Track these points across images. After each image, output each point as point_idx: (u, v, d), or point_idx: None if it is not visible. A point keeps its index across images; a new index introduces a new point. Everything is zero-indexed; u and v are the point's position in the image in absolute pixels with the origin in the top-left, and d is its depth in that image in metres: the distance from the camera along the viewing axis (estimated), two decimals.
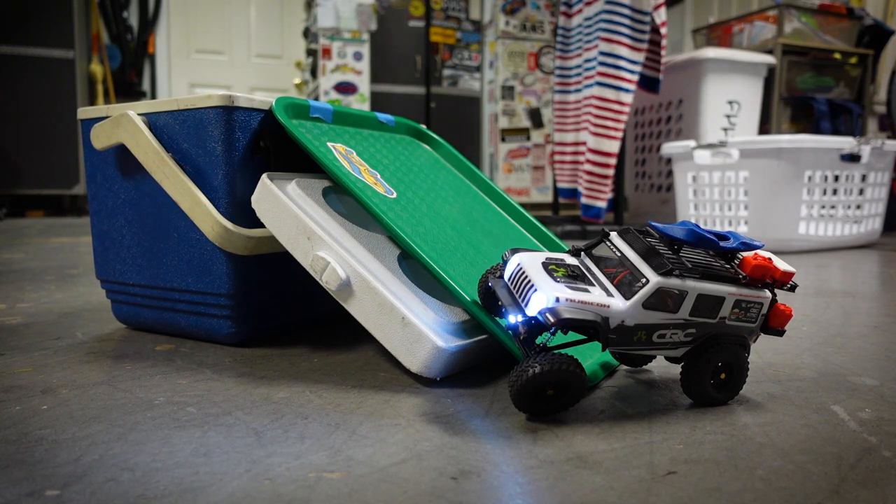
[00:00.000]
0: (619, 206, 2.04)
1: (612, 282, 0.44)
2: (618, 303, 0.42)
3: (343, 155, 0.63)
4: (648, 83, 1.92)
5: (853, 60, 2.27)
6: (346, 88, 3.25)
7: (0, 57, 2.88)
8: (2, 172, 2.92)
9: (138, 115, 0.63)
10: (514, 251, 0.48)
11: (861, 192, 1.65)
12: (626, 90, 1.80)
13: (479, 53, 3.69)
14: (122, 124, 0.63)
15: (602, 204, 1.85)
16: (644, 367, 0.57)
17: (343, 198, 0.65)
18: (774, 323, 0.47)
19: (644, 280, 0.42)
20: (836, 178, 1.59)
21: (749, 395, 0.49)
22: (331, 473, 0.35)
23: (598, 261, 0.47)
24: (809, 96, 2.19)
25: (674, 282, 0.42)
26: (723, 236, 0.47)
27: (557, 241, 0.75)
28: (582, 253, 0.49)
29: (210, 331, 0.63)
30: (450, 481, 0.35)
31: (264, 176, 0.57)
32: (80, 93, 3.04)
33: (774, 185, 1.53)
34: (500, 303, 0.49)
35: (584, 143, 1.90)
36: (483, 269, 0.60)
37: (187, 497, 0.33)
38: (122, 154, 0.66)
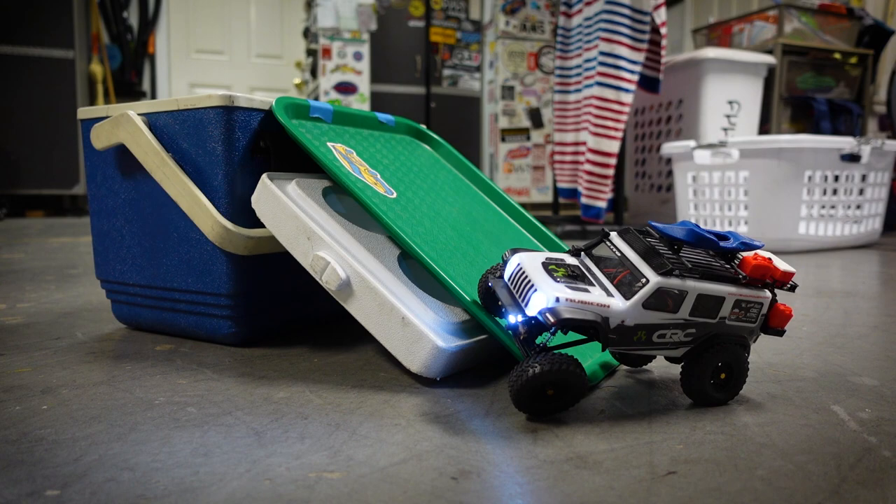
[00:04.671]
0: (619, 206, 2.04)
1: (612, 282, 0.44)
2: (618, 303, 0.42)
3: (343, 155, 0.63)
4: (648, 83, 1.92)
5: (853, 60, 2.27)
6: (346, 88, 3.25)
7: (0, 57, 2.88)
8: (2, 172, 2.92)
9: (138, 115, 0.63)
10: (514, 251, 0.48)
11: (861, 192, 1.65)
12: (626, 90, 1.80)
13: (479, 53, 3.69)
14: (122, 124, 0.63)
15: (602, 204, 1.85)
16: (644, 367, 0.57)
17: (343, 198, 0.65)
18: (774, 323, 0.47)
19: (644, 280, 0.42)
20: (836, 178, 1.59)
21: (749, 395, 0.49)
22: (331, 473, 0.35)
23: (598, 261, 0.47)
24: (809, 96, 2.19)
25: (674, 282, 0.42)
26: (723, 236, 0.47)
27: (557, 241, 0.75)
28: (582, 253, 0.49)
29: (210, 331, 0.63)
30: (450, 481, 0.35)
31: (264, 176, 0.57)
32: (80, 93, 3.04)
33: (774, 185, 1.53)
34: (500, 303, 0.49)
35: (584, 143, 1.90)
36: (483, 269, 0.60)
37: (187, 497, 0.33)
38: (122, 154, 0.66)
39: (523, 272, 0.45)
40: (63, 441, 0.40)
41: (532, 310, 0.42)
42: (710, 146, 1.61)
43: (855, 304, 0.87)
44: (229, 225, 0.59)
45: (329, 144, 0.63)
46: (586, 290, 0.43)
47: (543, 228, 0.76)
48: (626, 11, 1.78)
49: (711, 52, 1.97)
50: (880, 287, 1.02)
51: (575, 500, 0.33)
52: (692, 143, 1.66)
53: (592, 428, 0.42)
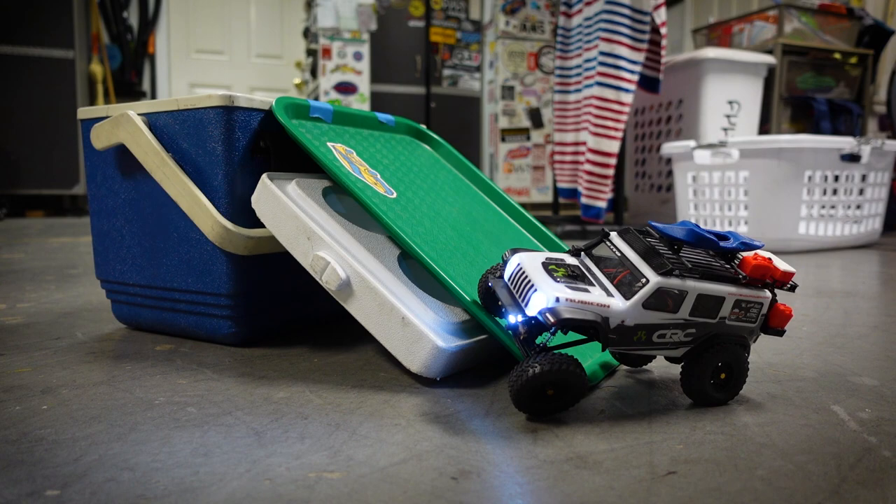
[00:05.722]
0: (619, 206, 2.04)
1: (612, 282, 0.44)
2: (618, 303, 0.42)
3: (343, 155, 0.63)
4: (648, 83, 1.92)
5: (853, 60, 2.27)
6: (346, 88, 3.25)
7: (0, 57, 2.88)
8: (2, 172, 2.92)
9: (138, 115, 0.63)
10: (514, 251, 0.48)
11: (861, 192, 1.65)
12: (626, 90, 1.80)
13: (479, 53, 3.69)
14: (122, 124, 0.63)
15: (602, 204, 1.85)
16: (644, 367, 0.57)
17: (343, 198, 0.65)
18: (774, 323, 0.47)
19: (644, 280, 0.42)
20: (836, 178, 1.59)
21: (749, 395, 0.49)
22: (331, 473, 0.35)
23: (598, 261, 0.47)
24: (809, 96, 2.19)
25: (674, 282, 0.42)
26: (723, 236, 0.47)
27: (557, 241, 0.75)
28: (582, 253, 0.49)
29: (210, 331, 0.63)
30: (450, 481, 0.35)
31: (264, 176, 0.57)
32: (80, 93, 3.04)
33: (774, 185, 1.53)
34: (500, 303, 0.49)
35: (584, 143, 1.90)
36: (483, 269, 0.60)
37: (187, 497, 0.33)
38: (122, 154, 0.66)
39: (523, 272, 0.45)
40: (63, 441, 0.40)
41: (532, 310, 0.42)
42: (710, 146, 1.61)
43: (855, 304, 0.87)
44: (229, 225, 0.59)
45: (329, 144, 0.63)
46: (586, 290, 0.43)
47: (543, 228, 0.76)
48: (626, 11, 1.78)
49: (711, 52, 1.97)
50: (880, 287, 1.02)
51: (575, 500, 0.33)
52: (692, 143, 1.66)
53: (592, 428, 0.42)
